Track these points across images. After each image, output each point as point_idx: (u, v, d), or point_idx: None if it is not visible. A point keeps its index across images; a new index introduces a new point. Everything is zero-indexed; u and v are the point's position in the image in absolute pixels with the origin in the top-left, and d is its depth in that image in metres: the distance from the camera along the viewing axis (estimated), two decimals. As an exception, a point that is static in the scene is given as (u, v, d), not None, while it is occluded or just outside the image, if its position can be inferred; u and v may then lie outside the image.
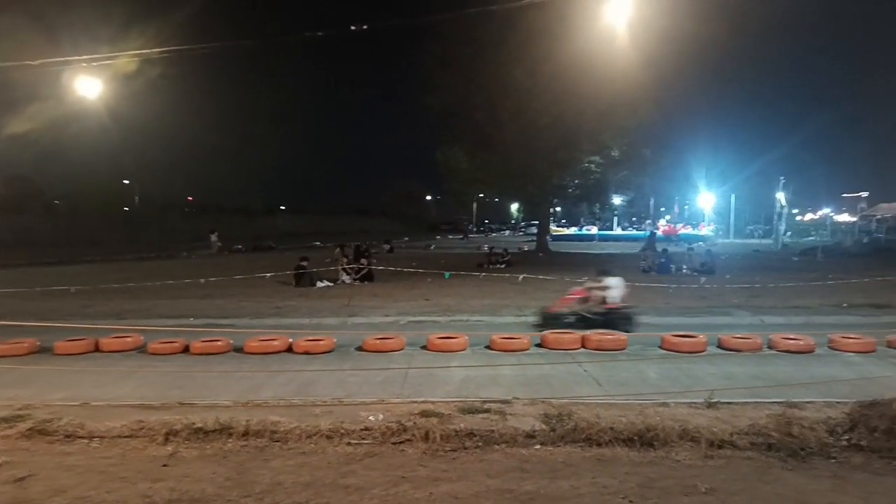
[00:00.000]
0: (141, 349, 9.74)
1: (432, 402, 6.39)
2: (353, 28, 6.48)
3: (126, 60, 9.86)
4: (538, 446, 5.23)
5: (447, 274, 18.02)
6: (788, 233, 45.88)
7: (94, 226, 44.95)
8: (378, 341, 9.47)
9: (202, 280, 15.84)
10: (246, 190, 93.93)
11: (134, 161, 58.02)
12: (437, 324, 11.77)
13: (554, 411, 5.96)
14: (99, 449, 5.33)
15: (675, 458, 4.98)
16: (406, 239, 49.30)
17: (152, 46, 10.32)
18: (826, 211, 74.97)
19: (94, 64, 9.53)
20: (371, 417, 5.82)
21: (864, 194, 71.49)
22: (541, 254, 32.80)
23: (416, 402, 6.46)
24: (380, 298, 14.75)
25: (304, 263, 17.63)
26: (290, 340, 9.54)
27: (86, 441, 5.48)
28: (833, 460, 4.93)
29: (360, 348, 9.57)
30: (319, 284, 17.23)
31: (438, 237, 58.15)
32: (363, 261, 19.01)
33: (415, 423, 5.56)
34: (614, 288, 11.42)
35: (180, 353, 9.47)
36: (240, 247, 37.59)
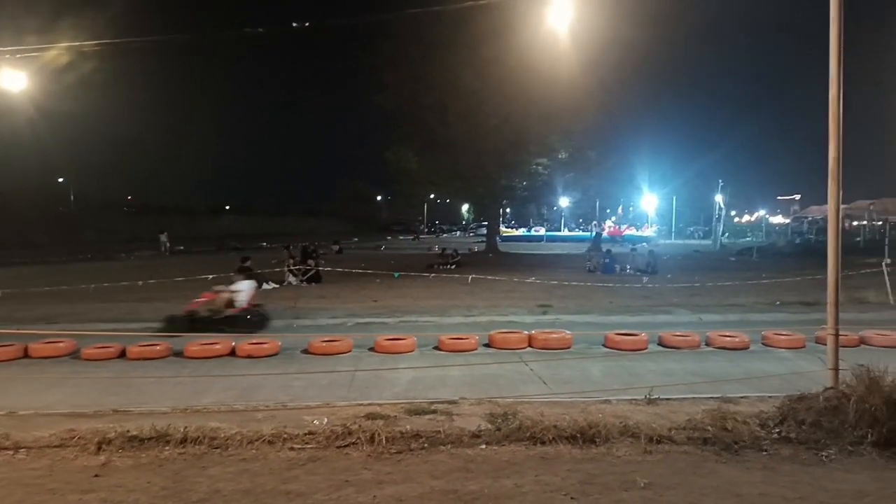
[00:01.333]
0: (74, 355, 9.32)
1: (379, 405, 6.35)
2: (294, 25, 6.35)
3: (56, 53, 9.41)
4: (483, 446, 5.26)
5: (396, 274, 17.97)
6: (726, 234, 47.65)
7: (26, 227, 42.78)
8: (324, 344, 9.35)
9: (140, 282, 15.29)
10: (189, 189, 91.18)
11: (68, 159, 55.58)
12: (385, 325, 11.71)
13: (500, 411, 6.01)
14: (25, 460, 5.06)
15: (616, 454, 5.08)
16: (356, 240, 48.88)
17: (84, 39, 9.87)
18: (762, 213, 78.25)
19: (18, 56, 9.06)
20: (315, 421, 5.73)
21: (797, 197, 74.89)
22: (490, 254, 33.09)
23: (362, 404, 6.40)
24: (327, 300, 14.58)
25: (247, 264, 17.23)
26: (233, 344, 9.31)
27: (11, 452, 5.20)
28: (764, 452, 5.13)
29: (305, 351, 9.43)
30: (265, 286, 16.84)
31: (389, 238, 57.88)
32: (310, 262, 18.73)
33: (360, 425, 5.50)
34: (242, 291, 11.59)
35: (116, 358, 9.11)
36: (182, 248, 36.51)
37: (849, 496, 4.31)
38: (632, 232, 54.89)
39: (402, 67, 28.75)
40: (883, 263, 15.57)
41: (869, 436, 5.11)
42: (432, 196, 57.34)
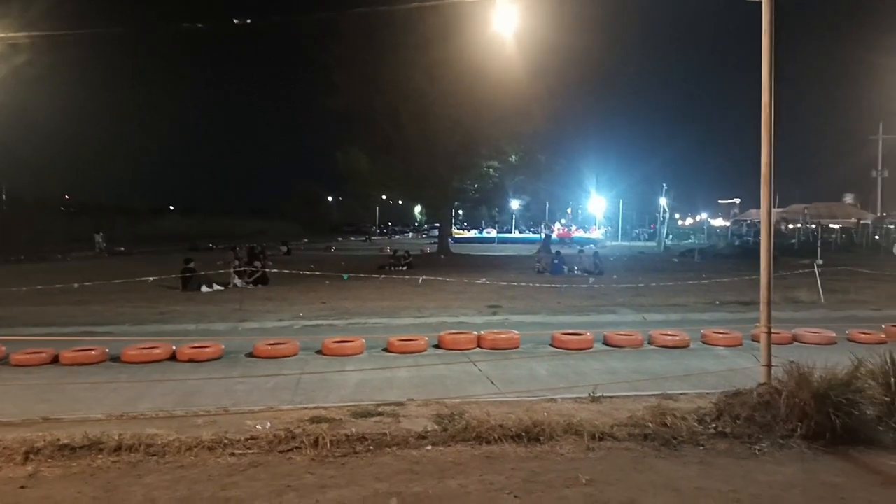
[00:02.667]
0: (2, 361, 8.86)
1: (324, 408, 6.26)
2: (235, 21, 6.19)
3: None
4: (429, 447, 5.25)
5: (345, 276, 17.79)
6: (670, 236, 49.15)
7: (-49, 227, 40.42)
8: (269, 347, 9.16)
9: (76, 285, 14.66)
10: (130, 188, 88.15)
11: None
12: (334, 327, 11.57)
13: (447, 411, 6.02)
14: (-57, 474, 4.77)
15: (560, 451, 5.16)
16: (305, 241, 48.17)
17: (17, 29, 9.40)
18: (704, 216, 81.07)
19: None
20: (258, 426, 5.60)
21: (737, 201, 77.95)
22: (442, 256, 33.17)
23: (307, 408, 6.30)
24: (274, 302, 14.31)
25: (191, 265, 16.78)
26: (174, 348, 9.02)
27: (-73, 466, 4.89)
28: (701, 447, 5.29)
29: (250, 354, 9.22)
30: (205, 289, 16.39)
31: (340, 239, 57.33)
32: (257, 263, 18.35)
33: (304, 429, 5.41)
34: None
35: (49, 364, 8.69)
36: (122, 249, 35.20)
37: (779, 488, 4.49)
38: (580, 234, 55.99)
39: (353, 69, 28.57)
40: (815, 265, 16.34)
41: (798, 429, 5.33)
42: (384, 197, 57.14)
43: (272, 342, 9.38)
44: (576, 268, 22.61)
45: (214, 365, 8.74)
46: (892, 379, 5.69)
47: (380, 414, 5.97)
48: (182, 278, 16.46)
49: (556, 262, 22.84)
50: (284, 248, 33.02)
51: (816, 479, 4.62)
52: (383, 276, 19.32)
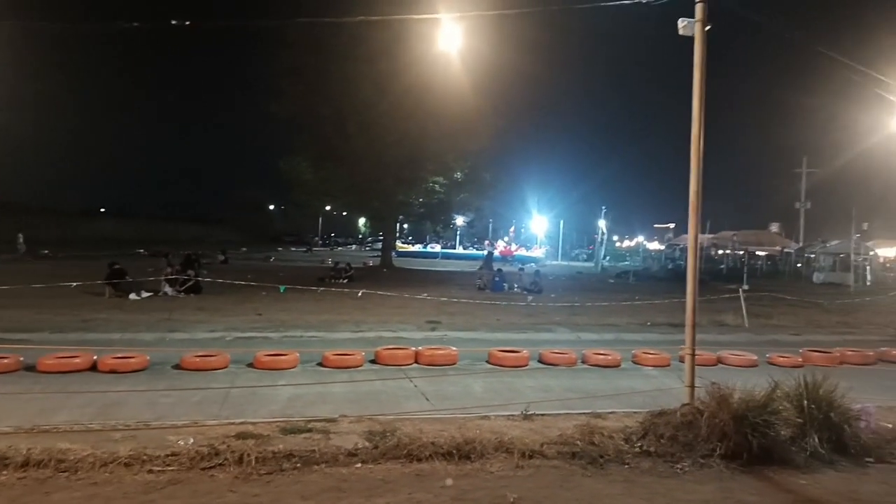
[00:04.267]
0: None
1: (252, 423, 6.09)
2: (173, 22, 6.01)
3: None
4: (359, 465, 5.17)
5: (282, 288, 17.41)
6: (607, 257, 50.48)
7: None
8: (198, 359, 8.85)
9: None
10: (60, 188, 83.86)
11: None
12: (268, 340, 11.29)
13: (379, 428, 5.95)
14: None
15: (490, 469, 5.18)
16: (244, 249, 46.98)
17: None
18: (640, 239, 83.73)
19: None
20: (180, 441, 5.39)
21: (672, 225, 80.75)
22: (385, 269, 32.95)
23: (234, 423, 6.11)
24: (206, 312, 13.84)
25: (117, 267, 16.08)
26: (95, 358, 8.60)
27: None
28: (626, 466, 5.42)
29: (177, 366, 8.88)
30: (134, 297, 15.71)
31: (280, 249, 56.18)
32: (190, 272, 17.75)
33: (229, 445, 5.24)
34: None
35: (-46, 372, 8.12)
36: (47, 252, 33.39)
37: (697, 505, 4.64)
38: (522, 252, 56.77)
39: (300, 77, 28.25)
40: (741, 290, 17.09)
41: (718, 449, 5.54)
42: (328, 208, 56.45)
43: (201, 354, 9.06)
44: (516, 285, 22.90)
45: (139, 376, 8.37)
46: (806, 401, 6.00)
47: (310, 430, 5.84)
48: (108, 284, 15.73)
49: (497, 279, 23.06)
50: (222, 257, 32.11)
51: (732, 498, 4.79)
52: (322, 288, 19.02)
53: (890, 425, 6.66)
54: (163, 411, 6.76)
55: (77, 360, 8.46)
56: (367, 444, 5.52)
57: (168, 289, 16.56)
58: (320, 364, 9.37)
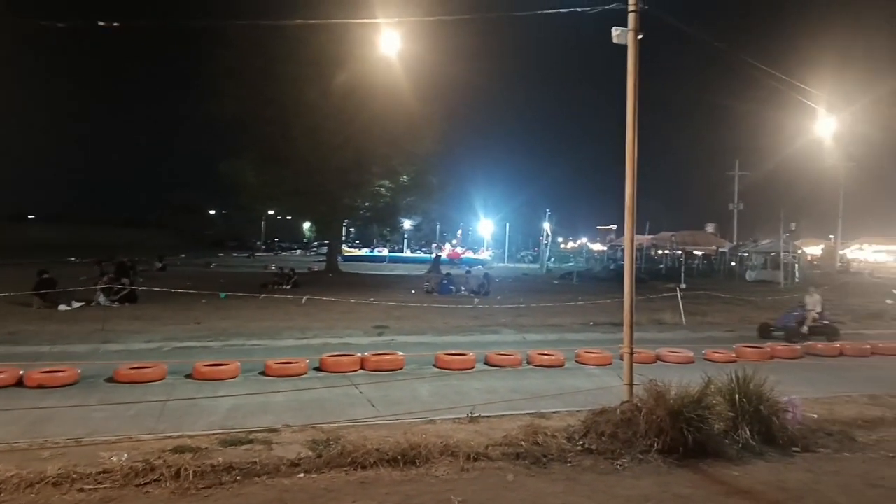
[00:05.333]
0: None
1: (190, 436, 5.90)
2: (101, 24, 5.75)
3: None
4: (302, 475, 5.09)
5: (223, 295, 16.94)
6: (552, 259, 51.40)
7: None
8: (133, 371, 8.52)
9: None
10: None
11: None
12: (208, 349, 10.98)
13: (322, 437, 5.87)
14: None
15: (435, 473, 5.18)
16: (183, 256, 45.52)
17: None
18: (584, 240, 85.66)
19: None
20: (113, 458, 5.17)
21: (613, 227, 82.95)
22: (330, 274, 32.56)
23: (171, 437, 5.91)
24: (142, 322, 13.35)
25: (46, 277, 15.32)
26: (21, 372, 8.16)
27: None
28: (569, 464, 5.52)
29: (111, 379, 8.54)
30: (64, 307, 14.98)
31: (222, 255, 54.77)
32: (125, 279, 17.07)
33: (165, 460, 5.06)
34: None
35: None
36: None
37: (636, 501, 4.77)
38: (470, 255, 57.14)
39: (242, 78, 27.62)
40: (678, 289, 17.70)
41: (656, 444, 5.70)
42: (271, 212, 55.36)
43: (136, 365, 8.73)
44: (463, 288, 23.04)
45: (69, 391, 8.00)
46: (737, 396, 6.25)
47: (251, 441, 5.71)
48: (37, 294, 14.95)
49: (445, 282, 23.16)
50: (159, 264, 31.03)
51: (669, 492, 4.95)
52: (265, 295, 18.63)
53: (815, 416, 7.03)
54: (95, 426, 6.48)
55: (2, 376, 8.01)
56: (310, 453, 5.43)
57: (102, 298, 15.87)
58: (263, 373, 9.19)
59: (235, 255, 56.67)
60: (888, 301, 22.12)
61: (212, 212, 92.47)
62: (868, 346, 12.67)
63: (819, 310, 14.49)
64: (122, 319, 13.59)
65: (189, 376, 8.83)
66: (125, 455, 5.21)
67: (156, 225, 79.20)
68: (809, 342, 13.11)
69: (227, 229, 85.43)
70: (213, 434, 5.98)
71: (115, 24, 5.97)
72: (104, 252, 26.23)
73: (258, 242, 72.68)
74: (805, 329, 14.00)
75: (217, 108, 28.44)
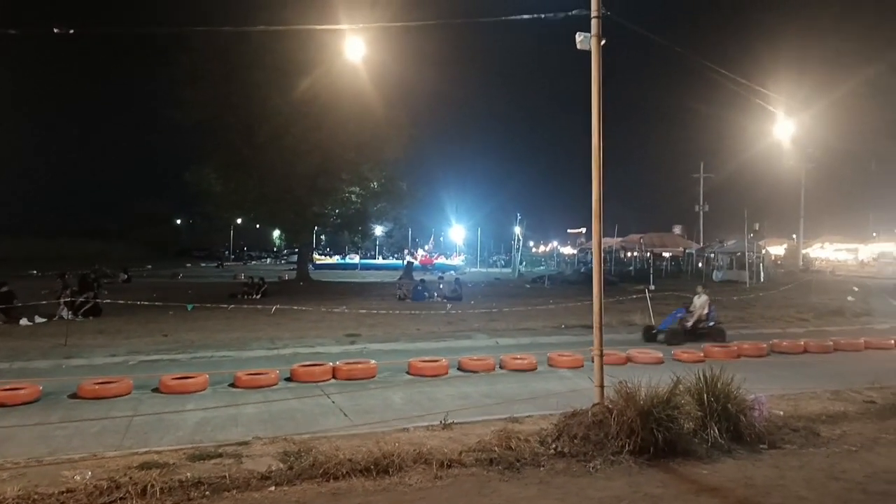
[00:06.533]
0: None
1: (158, 452, 5.78)
2: (56, 31, 5.59)
3: None
4: (273, 488, 5.01)
5: (189, 306, 16.61)
6: (524, 263, 51.70)
7: None
8: (97, 386, 8.30)
9: None
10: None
11: None
12: (175, 362, 10.76)
13: (294, 448, 5.79)
14: None
15: (408, 482, 5.15)
16: (149, 267, 44.61)
17: None
18: (554, 244, 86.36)
19: None
20: (76, 476, 5.03)
21: (583, 230, 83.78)
22: (301, 283, 32.25)
23: (137, 453, 5.78)
24: (107, 336, 13.03)
25: (6, 290, 14.87)
26: (-22, 391, 7.89)
27: None
28: (542, 468, 5.54)
29: (74, 395, 8.30)
30: (25, 322, 14.53)
31: (189, 265, 53.83)
32: (89, 292, 16.65)
33: (131, 477, 4.93)
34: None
35: None
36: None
37: (608, 502, 4.81)
38: (442, 261, 57.17)
39: (205, 84, 27.25)
40: (646, 290, 17.94)
41: (627, 445, 5.76)
42: (239, 221, 54.63)
43: (101, 381, 8.51)
44: (436, 294, 23.02)
45: (30, 409, 7.76)
46: (705, 395, 6.36)
47: (220, 455, 5.61)
48: (-4, 309, 14.49)
49: (418, 288, 23.11)
50: (124, 276, 30.39)
51: (640, 492, 5.00)
52: (234, 305, 18.35)
53: (781, 412, 7.19)
54: (57, 445, 6.30)
55: (-43, 396, 7.74)
56: (281, 465, 5.36)
57: (64, 312, 15.45)
58: (232, 385, 9.04)
59: (203, 264, 55.76)
60: (849, 298, 22.77)
61: (178, 221, 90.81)
62: (831, 343, 13.02)
63: (706, 311, 13.97)
64: (85, 333, 13.24)
65: (156, 390, 8.63)
66: (89, 473, 5.07)
67: (121, 236, 77.32)
68: (691, 344, 12.82)
69: (194, 239, 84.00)
70: (182, 449, 5.86)
71: (70, 31, 5.81)
72: (68, 264, 25.55)
73: (226, 252, 71.66)
74: (688, 326, 13.66)
75: (181, 115, 28.04)
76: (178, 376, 8.84)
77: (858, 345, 13.07)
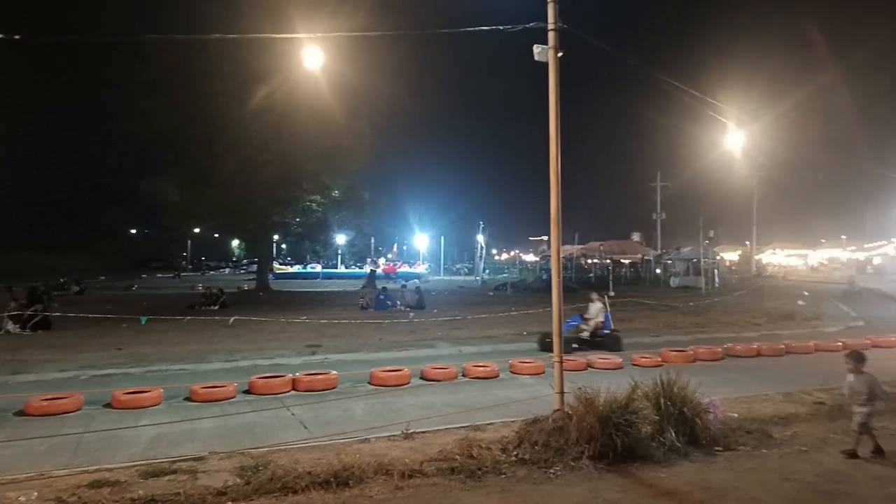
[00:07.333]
0: None
1: (109, 470, 5.59)
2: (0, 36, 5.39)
3: None
4: (229, 503, 4.90)
5: (143, 319, 16.15)
6: (487, 270, 51.97)
7: None
8: (46, 402, 8.00)
9: None
10: None
11: None
12: (129, 377, 10.45)
13: (251, 462, 5.68)
14: None
15: (369, 494, 5.10)
16: (103, 278, 43.29)
17: None
18: (517, 251, 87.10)
19: None
20: (21, 498, 4.83)
21: (545, 238, 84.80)
22: (261, 293, 31.74)
23: (87, 471, 5.57)
24: (57, 350, 12.57)
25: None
26: (-84, 411, 7.51)
27: None
28: (503, 476, 5.55)
29: (21, 413, 7.98)
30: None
31: (145, 276, 52.42)
32: (38, 305, 16.06)
33: (80, 497, 4.77)
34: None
35: None
36: None
37: (568, 508, 4.85)
38: (405, 269, 57.00)
39: (161, 94, 26.65)
40: (606, 296, 18.21)
41: (586, 451, 5.82)
42: (198, 230, 53.51)
43: (50, 397, 8.20)
44: (399, 303, 22.92)
45: (-28, 428, 7.41)
46: (662, 399, 6.47)
47: (175, 471, 5.46)
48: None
49: (380, 297, 22.97)
50: (77, 287, 29.43)
51: (600, 497, 5.06)
52: (191, 317, 17.92)
53: (735, 415, 7.37)
54: (3, 465, 6.02)
55: None
56: (238, 480, 5.24)
57: (11, 326, 14.86)
58: (188, 399, 8.82)
59: (160, 275, 54.37)
60: (800, 302, 23.54)
61: (133, 231, 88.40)
62: (783, 346, 13.43)
63: (601, 318, 13.79)
64: (34, 348, 12.75)
65: (108, 406, 8.36)
66: (35, 494, 4.88)
67: (74, 248, 74.76)
68: (587, 351, 12.73)
69: (152, 249, 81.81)
70: (134, 466, 5.68)
71: (15, 36, 5.62)
72: (22, 278, 24.59)
73: (184, 262, 70.05)
74: (584, 336, 13.41)
75: (137, 125, 27.37)
76: (132, 391, 8.58)
77: (809, 348, 13.51)
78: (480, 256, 47.80)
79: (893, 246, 51.75)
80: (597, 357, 11.70)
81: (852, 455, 6.12)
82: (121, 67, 27.05)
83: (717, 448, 6.34)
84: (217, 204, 30.11)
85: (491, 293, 33.15)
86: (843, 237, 63.42)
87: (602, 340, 13.55)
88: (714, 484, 5.40)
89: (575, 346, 12.96)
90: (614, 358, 11.66)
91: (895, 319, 18.61)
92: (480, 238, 48.36)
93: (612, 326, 14.18)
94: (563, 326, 13.59)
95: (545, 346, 13.17)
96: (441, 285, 40.21)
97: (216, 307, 21.57)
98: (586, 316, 14.02)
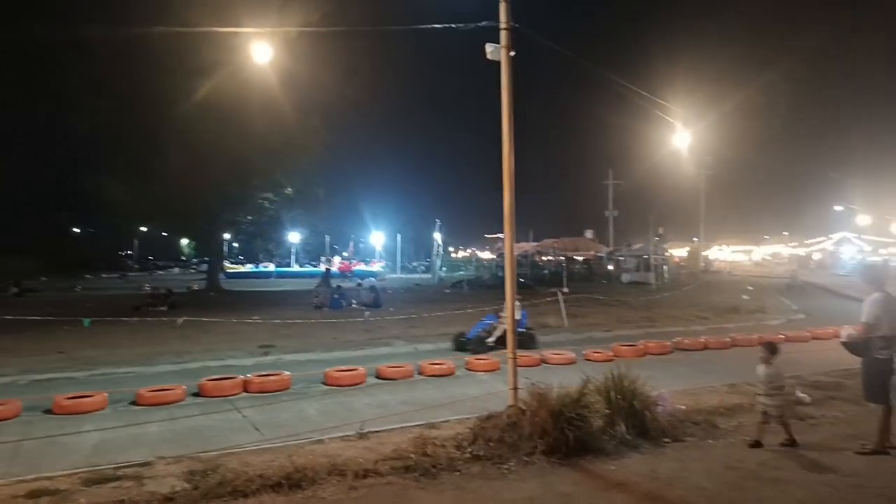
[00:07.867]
0: None
1: (49, 478, 5.38)
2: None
3: None
4: (177, 510, 4.77)
5: (86, 321, 15.55)
6: (444, 268, 52.03)
7: None
8: (-20, 410, 7.63)
9: None
10: None
11: None
12: (72, 381, 10.05)
13: (200, 467, 5.55)
14: None
15: (322, 495, 5.04)
16: (44, 279, 41.51)
17: None
18: (473, 249, 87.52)
19: None
20: (-49, 512, 4.59)
21: (501, 235, 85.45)
22: (212, 293, 30.98)
23: (25, 480, 5.36)
24: (-7, 355, 12.00)
25: None
26: None
27: None
28: (458, 473, 5.57)
29: (-48, 421, 7.58)
30: None
31: (89, 276, 50.47)
32: (-28, 309, 15.28)
33: (17, 509, 4.56)
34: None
35: None
36: None
37: (521, 503, 4.90)
38: (361, 267, 56.58)
39: (105, 89, 25.70)
40: (559, 293, 18.50)
41: (540, 445, 5.89)
42: (145, 229, 51.93)
43: (-16, 404, 7.82)
44: (354, 301, 22.73)
45: None
46: (613, 393, 6.61)
47: (119, 478, 5.30)
48: None
49: (335, 296, 22.74)
50: (15, 289, 28.14)
51: (552, 491, 5.13)
52: (138, 318, 17.37)
53: (683, 407, 7.58)
54: (-70, 478, 5.71)
55: None
56: (186, 485, 5.11)
57: (-59, 331, 14.08)
58: (134, 403, 8.55)
59: (105, 276, 52.46)
60: (744, 297, 24.41)
61: (76, 230, 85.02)
62: (729, 339, 13.90)
63: (517, 317, 13.86)
64: (-33, 354, 12.13)
65: (49, 411, 8.04)
66: (-34, 508, 4.64)
67: (15, 250, 71.36)
68: (497, 351, 11.86)
69: (97, 249, 78.86)
70: (77, 473, 5.48)
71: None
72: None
73: (130, 262, 67.84)
74: (493, 339, 12.78)
75: (79, 121, 26.35)
76: (74, 395, 8.26)
77: (753, 340, 13.98)
78: (437, 254, 47.82)
79: (832, 242, 54.16)
80: (550, 353, 11.87)
81: (756, 444, 6.27)
82: (63, 63, 25.90)
83: (665, 439, 6.51)
84: (165, 202, 29.25)
85: (447, 290, 33.24)
86: (786, 233, 66.00)
87: (518, 339, 13.42)
88: (662, 474, 5.55)
89: (491, 342, 12.77)
90: (567, 353, 11.84)
91: (834, 312, 19.45)
92: (437, 236, 48.39)
93: (528, 325, 14.03)
94: (477, 325, 13.62)
95: (459, 346, 13.09)
96: (397, 283, 40.08)
97: (164, 308, 20.95)
98: (501, 315, 14.04)
